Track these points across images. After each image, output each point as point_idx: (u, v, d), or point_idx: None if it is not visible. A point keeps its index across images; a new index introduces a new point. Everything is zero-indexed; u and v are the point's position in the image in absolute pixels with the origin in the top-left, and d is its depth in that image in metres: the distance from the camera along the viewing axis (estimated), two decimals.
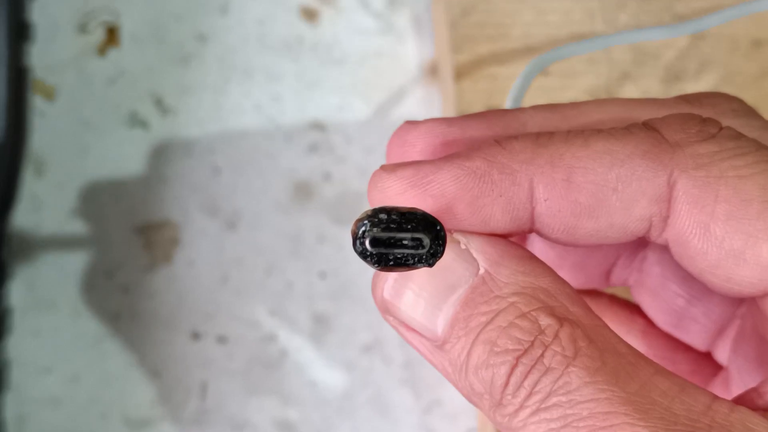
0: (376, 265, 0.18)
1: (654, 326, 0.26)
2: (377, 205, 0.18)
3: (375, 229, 0.17)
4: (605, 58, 0.42)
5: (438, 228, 0.18)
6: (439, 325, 0.20)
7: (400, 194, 0.20)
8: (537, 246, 0.26)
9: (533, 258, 0.20)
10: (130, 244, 0.42)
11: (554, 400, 0.18)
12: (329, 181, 0.43)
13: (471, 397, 0.19)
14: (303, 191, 0.43)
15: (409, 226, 0.18)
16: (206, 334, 0.42)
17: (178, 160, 0.43)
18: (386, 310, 0.21)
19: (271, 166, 0.43)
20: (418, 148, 0.22)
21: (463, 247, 0.20)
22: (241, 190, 0.43)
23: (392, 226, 0.18)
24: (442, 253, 0.18)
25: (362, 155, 0.43)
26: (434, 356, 0.20)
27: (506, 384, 0.18)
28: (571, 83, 0.41)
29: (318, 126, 0.43)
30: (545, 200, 0.20)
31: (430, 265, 0.18)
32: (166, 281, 0.42)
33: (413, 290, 0.20)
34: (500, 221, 0.20)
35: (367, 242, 0.17)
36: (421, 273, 0.20)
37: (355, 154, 0.43)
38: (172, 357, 0.41)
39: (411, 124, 0.22)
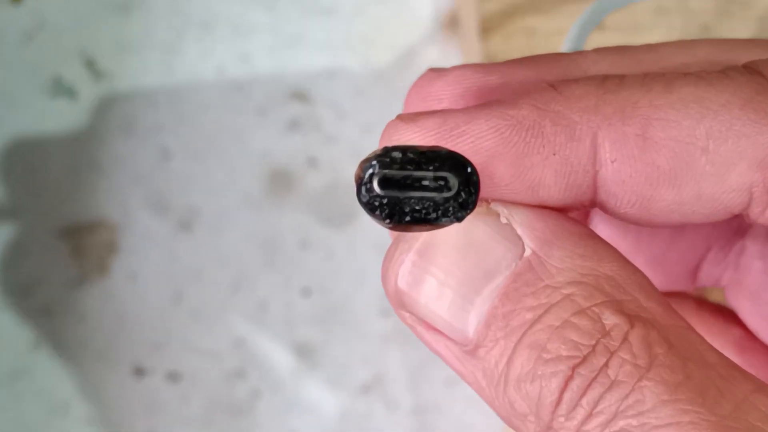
0: (388, 221, 0.16)
1: (754, 338, 0.25)
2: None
3: (386, 170, 0.16)
4: (679, 6, 0.40)
5: (469, 170, 0.16)
6: (471, 323, 0.19)
7: None
8: (602, 231, 0.25)
9: (596, 237, 0.19)
10: (54, 251, 0.41)
11: (621, 424, 0.17)
12: (315, 167, 0.42)
13: (511, 419, 0.18)
14: (280, 181, 0.42)
15: (430, 166, 0.16)
16: (153, 370, 0.41)
17: (115, 140, 0.42)
18: (401, 303, 0.20)
19: (239, 149, 0.42)
20: (444, 103, 0.21)
21: (503, 220, 0.19)
22: (199, 180, 0.42)
23: (408, 166, 0.16)
24: (474, 203, 0.16)
25: (358, 134, 0.42)
26: (463, 365, 0.19)
27: (558, 402, 0.17)
28: (635, 40, 0.38)
29: (300, 96, 0.42)
30: (612, 161, 0.19)
31: (459, 220, 0.17)
32: (100, 300, 0.41)
33: (437, 277, 0.19)
34: (553, 189, 0.19)
35: (375, 183, 0.15)
36: (448, 255, 0.19)
37: (349, 133, 0.42)
38: (108, 400, 0.40)
39: (436, 72, 0.21)
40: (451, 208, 0.16)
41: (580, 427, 0.17)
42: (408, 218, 0.16)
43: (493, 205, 0.19)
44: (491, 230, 0.19)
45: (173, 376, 0.41)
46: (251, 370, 0.41)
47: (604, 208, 0.20)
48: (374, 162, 0.16)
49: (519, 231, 0.19)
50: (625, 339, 0.17)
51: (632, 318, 0.18)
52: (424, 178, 0.16)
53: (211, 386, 0.41)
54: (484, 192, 0.19)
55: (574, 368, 0.17)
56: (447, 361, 0.20)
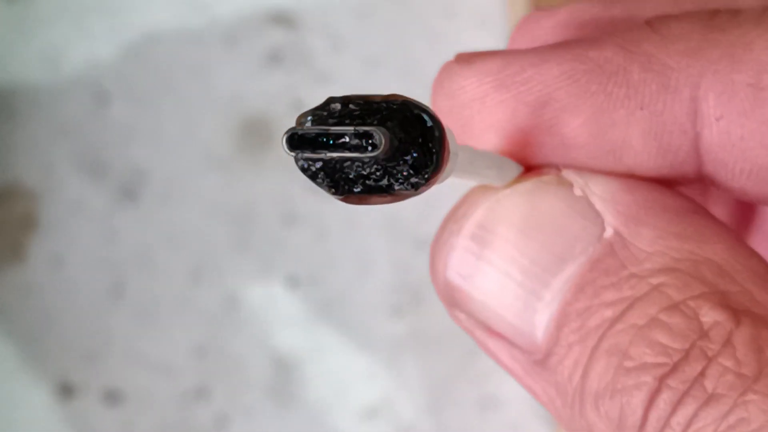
0: (333, 191, 0.16)
1: None
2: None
3: (298, 128, 0.16)
4: None
5: (428, 123, 0.16)
6: (539, 324, 0.19)
7: (480, 99, 0.20)
8: (712, 209, 0.25)
9: (701, 213, 0.19)
10: None
11: None
12: None
13: None
14: (256, 134, 0.42)
15: (372, 119, 0.16)
16: (85, 388, 0.40)
17: (32, 80, 0.42)
18: (452, 300, 0.20)
19: (200, 91, 0.41)
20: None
21: (578, 192, 0.19)
22: (146, 133, 0.41)
23: (347, 120, 0.16)
24: (434, 168, 0.16)
25: (360, 70, 0.42)
26: (532, 378, 0.19)
27: (643, 423, 0.17)
28: None
29: (282, 19, 0.42)
30: (718, 119, 0.19)
31: (415, 187, 0.16)
32: (13, 294, 0.41)
33: (496, 267, 0.19)
34: (641, 154, 0.19)
35: (284, 141, 0.16)
36: (509, 238, 0.20)
37: (348, 69, 0.42)
38: (24, 427, 0.40)
39: (544, 11, 0.22)
40: (403, 172, 0.16)
41: None
42: (358, 187, 0.17)
43: (565, 173, 0.20)
44: (562, 205, 0.19)
45: (111, 397, 0.41)
46: (216, 389, 0.41)
47: (715, 182, 0.20)
48: (309, 116, 0.16)
49: (598, 205, 0.19)
50: (727, 341, 0.17)
51: (739, 314, 0.18)
52: (343, 135, 0.16)
53: (162, 410, 0.41)
54: (553, 155, 0.20)
55: (662, 379, 0.18)
56: (514, 375, 0.20)
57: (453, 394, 0.39)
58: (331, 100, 0.16)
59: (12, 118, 0.41)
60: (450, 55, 0.41)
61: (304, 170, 0.16)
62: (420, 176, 0.16)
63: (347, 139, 0.16)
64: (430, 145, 0.16)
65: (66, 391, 0.40)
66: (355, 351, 0.41)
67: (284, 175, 0.41)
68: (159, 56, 0.41)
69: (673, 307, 0.18)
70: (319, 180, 0.16)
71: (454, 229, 0.20)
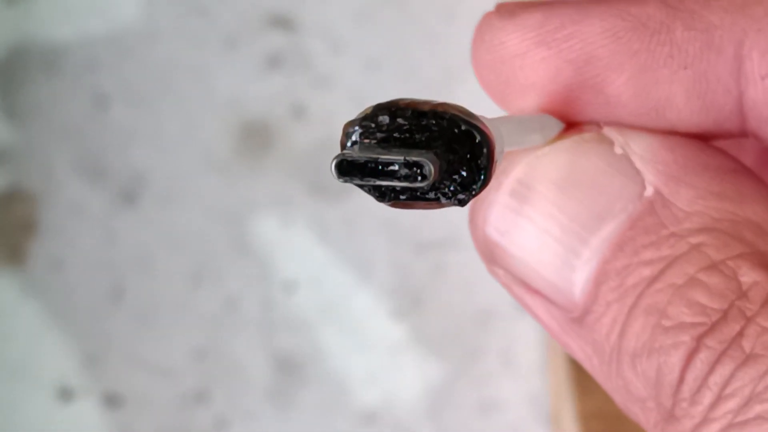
0: (381, 200, 0.17)
1: None
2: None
3: (356, 146, 0.16)
4: None
5: (478, 139, 0.16)
6: (578, 281, 0.19)
7: (522, 55, 0.20)
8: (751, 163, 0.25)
9: (742, 172, 0.19)
10: None
11: (758, 409, 0.17)
12: (302, 118, 0.42)
13: (628, 405, 0.19)
14: (255, 137, 0.42)
15: (417, 138, 0.16)
16: (85, 391, 0.41)
17: (33, 81, 0.42)
18: (491, 256, 0.20)
19: (199, 94, 0.42)
20: None
21: (618, 150, 0.19)
22: (146, 136, 0.42)
23: (396, 134, 0.16)
24: (481, 184, 0.16)
25: (360, 73, 0.42)
26: (569, 336, 0.20)
27: (680, 382, 0.18)
28: None
29: (282, 21, 0.43)
30: (763, 78, 0.19)
31: (461, 203, 0.16)
32: (13, 297, 0.41)
33: (535, 223, 0.19)
34: (684, 111, 0.20)
35: (332, 169, 0.16)
36: (548, 195, 0.20)
37: (348, 72, 0.42)
38: (25, 429, 0.40)
39: None
40: (450, 188, 0.17)
41: (707, 413, 0.17)
42: (404, 197, 0.17)
43: (606, 130, 0.20)
44: (603, 163, 0.19)
45: (111, 400, 0.41)
46: (216, 391, 0.41)
47: (759, 138, 0.20)
48: (356, 128, 0.17)
49: (638, 164, 0.19)
50: (766, 301, 0.17)
51: None
52: (393, 163, 0.16)
53: (162, 413, 0.41)
54: (595, 112, 0.20)
55: (699, 338, 0.18)
56: (551, 332, 0.20)
57: (452, 396, 0.40)
58: (378, 109, 0.16)
59: (12, 121, 0.41)
60: (449, 58, 0.41)
61: (351, 183, 0.17)
62: (467, 193, 0.17)
63: (397, 168, 0.16)
64: (479, 162, 0.17)
65: (66, 394, 0.40)
66: (355, 353, 0.41)
67: (284, 179, 0.41)
68: (159, 59, 0.41)
69: (712, 266, 0.18)
70: (367, 191, 0.17)
71: (493, 185, 0.20)
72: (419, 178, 0.16)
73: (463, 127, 0.16)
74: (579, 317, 0.19)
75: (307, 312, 0.41)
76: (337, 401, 0.41)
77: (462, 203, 0.17)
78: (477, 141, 0.16)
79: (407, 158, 0.16)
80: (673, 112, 0.20)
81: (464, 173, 0.17)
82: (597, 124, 0.20)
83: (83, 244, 0.41)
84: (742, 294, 0.18)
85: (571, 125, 0.20)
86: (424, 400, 0.40)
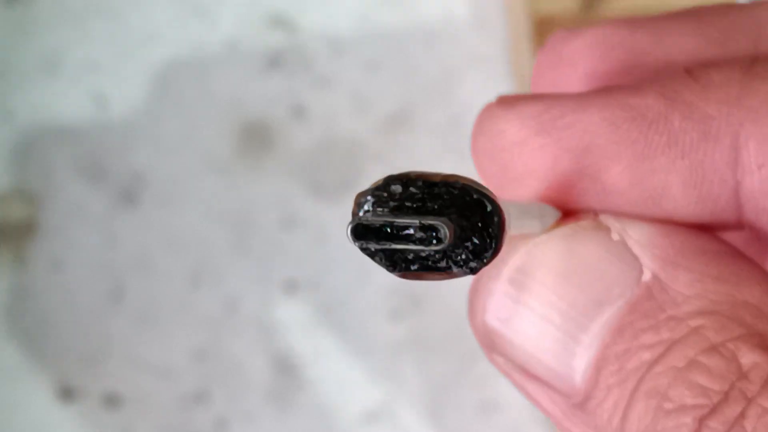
0: (392, 269, 0.17)
1: None
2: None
3: (370, 213, 0.17)
4: None
5: (489, 208, 0.16)
6: (578, 367, 0.19)
7: (521, 143, 0.20)
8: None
9: (737, 256, 0.19)
10: None
11: None
12: (303, 120, 0.42)
13: None
14: (256, 138, 0.42)
15: (429, 206, 0.17)
16: (85, 391, 0.41)
17: (32, 81, 0.42)
18: (491, 344, 0.20)
19: (200, 95, 0.42)
20: (580, 69, 0.22)
21: (615, 237, 0.20)
22: (146, 136, 0.42)
23: (408, 203, 0.17)
24: (492, 252, 0.17)
25: (360, 75, 0.42)
26: (572, 422, 0.20)
27: None
28: None
29: (282, 22, 0.43)
30: (759, 167, 0.19)
31: (473, 271, 0.17)
32: (13, 298, 0.41)
33: (535, 311, 0.20)
34: (681, 201, 0.20)
35: (348, 233, 0.16)
36: (547, 282, 0.20)
37: (349, 72, 0.42)
38: (25, 429, 0.41)
39: (570, 31, 0.23)
40: (462, 257, 0.17)
41: None
42: (415, 266, 0.17)
43: (603, 218, 0.20)
44: (600, 249, 0.20)
45: (111, 400, 0.41)
46: (216, 392, 0.41)
47: (756, 230, 0.20)
48: (369, 197, 0.17)
49: (636, 249, 0.19)
50: (767, 382, 0.17)
51: None
52: (408, 227, 0.16)
53: (162, 413, 0.41)
54: (593, 200, 0.20)
55: (701, 420, 0.18)
56: (553, 418, 0.20)
57: (453, 397, 0.40)
58: (389, 180, 0.17)
59: (11, 122, 0.42)
60: (449, 59, 0.41)
61: (362, 249, 0.17)
62: (479, 261, 0.17)
63: (412, 231, 0.16)
64: (490, 230, 0.17)
65: (66, 394, 0.40)
66: (355, 355, 0.41)
67: (284, 179, 0.41)
68: (159, 60, 0.41)
69: (712, 348, 0.18)
70: (377, 259, 0.17)
71: (492, 274, 0.20)
72: (434, 241, 0.16)
73: (474, 196, 0.17)
74: (580, 403, 0.19)
75: (307, 312, 0.41)
76: (337, 402, 0.41)
77: (473, 271, 0.17)
78: (488, 210, 0.17)
79: (422, 222, 0.16)
80: (669, 202, 0.20)
81: (476, 241, 0.17)
82: (594, 212, 0.20)
83: (83, 245, 0.41)
84: (743, 375, 0.18)
85: (568, 213, 0.20)
86: (424, 401, 0.40)
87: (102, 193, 0.41)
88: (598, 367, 0.19)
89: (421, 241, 0.16)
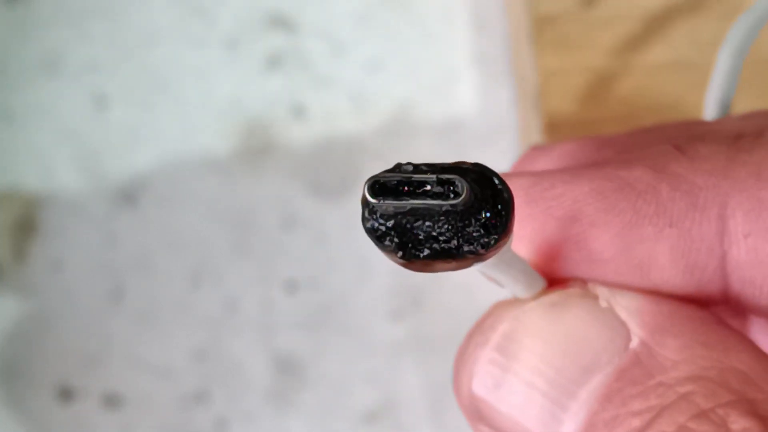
0: (401, 253, 0.17)
1: None
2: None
3: (380, 175, 0.16)
4: None
5: (497, 183, 0.16)
6: None
7: None
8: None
9: (723, 324, 0.20)
10: None
11: None
12: (303, 119, 0.42)
13: None
14: (255, 138, 0.42)
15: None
16: (85, 392, 0.41)
17: (33, 81, 0.42)
18: (478, 414, 0.21)
19: (199, 95, 0.42)
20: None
21: (603, 304, 0.20)
22: (146, 136, 0.42)
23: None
24: (504, 227, 0.16)
25: (360, 74, 0.42)
26: None
27: None
28: None
29: (282, 21, 0.43)
30: (746, 237, 0.20)
31: (485, 247, 0.16)
32: (13, 297, 0.41)
33: (522, 378, 0.20)
34: (668, 271, 0.20)
35: (366, 189, 0.16)
36: (535, 349, 0.20)
37: (349, 73, 0.42)
38: (25, 430, 0.41)
39: (539, 149, 0.23)
40: (474, 233, 0.17)
41: None
42: (425, 250, 0.17)
43: (592, 286, 0.20)
44: (588, 316, 0.20)
45: (111, 401, 0.41)
46: (216, 392, 0.41)
47: (742, 302, 0.20)
48: (380, 175, 0.17)
49: (623, 316, 0.20)
50: None
51: (767, 421, 0.18)
52: (426, 182, 0.16)
53: (162, 413, 0.41)
54: (581, 270, 0.20)
55: None
56: None
57: (452, 396, 0.39)
58: (401, 164, 0.17)
59: (11, 122, 0.42)
60: (449, 59, 0.42)
61: (373, 230, 0.17)
62: (490, 236, 0.17)
63: (429, 188, 0.16)
64: (500, 206, 0.17)
65: (66, 395, 0.40)
66: (355, 355, 0.41)
67: (284, 179, 0.42)
68: (158, 60, 0.42)
69: (702, 414, 0.18)
70: (387, 242, 0.17)
71: (480, 341, 0.20)
72: (452, 195, 0.16)
73: (486, 174, 0.17)
74: None
75: (307, 312, 0.41)
76: (337, 402, 0.41)
77: (485, 247, 0.17)
78: (499, 187, 0.17)
79: (439, 177, 0.16)
80: (657, 272, 0.20)
81: (488, 214, 0.17)
82: (582, 280, 0.20)
83: (83, 245, 0.41)
84: None
85: (556, 281, 0.20)
86: (424, 400, 0.40)
87: (102, 193, 0.41)
88: None
89: (438, 196, 0.16)
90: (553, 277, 0.20)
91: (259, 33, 0.42)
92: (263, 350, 0.41)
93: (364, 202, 0.17)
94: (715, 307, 0.23)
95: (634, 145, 0.22)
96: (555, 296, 0.20)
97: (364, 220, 0.17)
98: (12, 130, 0.41)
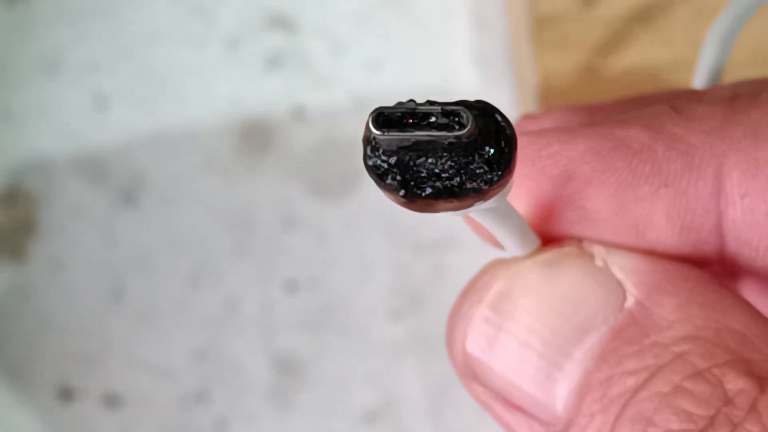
0: (402, 191, 0.16)
1: None
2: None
3: (385, 108, 0.16)
4: None
5: (499, 118, 0.16)
6: (560, 395, 0.19)
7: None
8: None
9: (717, 283, 0.19)
10: None
11: None
12: (302, 119, 0.42)
13: None
14: (255, 138, 0.42)
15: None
16: (85, 392, 0.41)
17: (30, 79, 0.42)
18: (471, 373, 0.20)
19: (199, 95, 0.42)
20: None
21: (599, 263, 0.20)
22: (146, 136, 0.42)
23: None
24: (507, 163, 0.16)
25: (361, 74, 0.42)
26: None
27: None
28: None
29: (282, 22, 0.43)
30: (742, 197, 0.20)
31: (488, 184, 0.16)
32: (13, 297, 0.41)
33: (517, 337, 0.20)
34: (664, 231, 0.20)
35: (370, 121, 0.16)
36: (530, 308, 0.20)
37: (349, 73, 0.42)
38: (24, 430, 0.41)
39: (529, 118, 0.23)
40: (477, 169, 0.16)
41: None
42: (428, 189, 0.17)
43: (587, 245, 0.20)
44: (583, 275, 0.20)
45: (111, 400, 0.41)
46: (216, 392, 0.41)
47: (737, 263, 0.20)
48: (383, 109, 0.16)
49: (619, 275, 0.20)
50: (752, 407, 0.17)
51: (764, 381, 0.18)
52: (431, 114, 0.16)
53: (162, 413, 0.41)
54: (576, 229, 0.20)
55: None
56: None
57: (453, 397, 0.40)
58: (403, 102, 0.17)
59: (11, 122, 0.42)
60: (449, 59, 0.42)
61: (375, 168, 0.17)
62: (494, 172, 0.17)
63: (434, 119, 0.16)
64: (504, 143, 0.17)
65: (65, 395, 0.40)
66: (355, 355, 0.41)
67: (284, 179, 0.42)
68: (158, 60, 0.42)
69: (698, 374, 0.18)
70: (389, 180, 0.17)
71: (474, 300, 0.20)
72: (457, 126, 0.16)
73: (488, 109, 0.17)
74: (563, 431, 0.19)
75: (307, 312, 0.41)
76: (337, 402, 0.41)
77: (488, 183, 0.17)
78: (501, 123, 0.17)
79: (444, 108, 0.16)
80: (653, 231, 0.20)
81: (491, 150, 0.17)
82: (577, 239, 0.20)
83: (83, 245, 0.41)
84: (729, 401, 0.18)
85: (550, 241, 0.20)
86: (424, 400, 0.40)
87: (102, 193, 0.41)
88: (581, 393, 0.19)
89: (443, 128, 0.16)
90: (548, 236, 0.20)
91: (259, 33, 0.42)
92: (263, 350, 0.41)
93: (366, 139, 0.16)
94: (710, 268, 0.23)
95: (628, 109, 0.22)
96: (550, 255, 0.20)
97: (366, 157, 0.17)
98: (12, 130, 0.41)
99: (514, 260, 0.20)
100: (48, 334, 0.41)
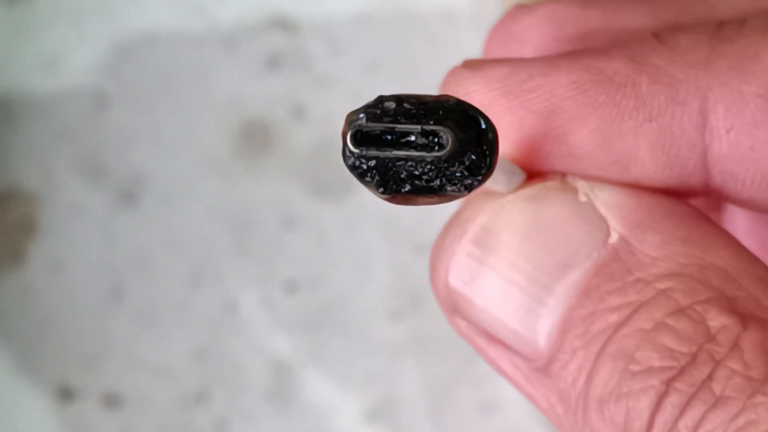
0: (382, 189, 0.16)
1: None
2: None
3: (363, 124, 0.16)
4: None
5: (482, 125, 0.16)
6: (542, 330, 0.19)
7: (487, 105, 0.20)
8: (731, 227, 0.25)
9: (705, 219, 0.19)
10: None
11: None
12: (302, 119, 0.42)
13: None
14: (256, 138, 0.42)
15: (429, 119, 0.16)
16: (85, 392, 0.41)
17: (32, 83, 0.42)
18: (454, 306, 0.20)
19: (200, 95, 0.42)
20: (530, 46, 0.22)
21: (582, 198, 0.20)
22: (146, 136, 0.42)
23: (402, 119, 0.16)
24: (488, 169, 0.16)
25: (359, 74, 0.42)
26: (534, 386, 0.20)
27: (650, 426, 0.17)
28: None
29: (282, 23, 0.43)
30: (728, 131, 0.19)
31: (468, 189, 0.16)
32: (13, 297, 0.41)
33: (499, 272, 0.20)
34: (648, 165, 0.20)
35: (348, 139, 0.16)
36: (512, 243, 0.20)
37: (348, 73, 0.42)
38: (25, 430, 0.41)
39: (523, 8, 0.22)
40: (457, 173, 0.17)
41: None
42: (407, 187, 0.17)
43: (571, 180, 0.20)
44: (567, 210, 0.20)
45: (111, 400, 0.41)
46: (216, 392, 0.41)
47: (723, 195, 0.20)
48: (362, 114, 0.16)
49: (603, 210, 0.19)
50: (735, 345, 0.17)
51: (746, 318, 0.18)
52: (410, 133, 0.16)
53: (162, 413, 0.41)
54: (560, 163, 0.20)
55: (669, 382, 0.17)
56: (515, 383, 0.20)
57: (453, 397, 0.40)
58: (382, 98, 0.17)
59: (11, 122, 0.41)
60: (449, 58, 0.43)
61: (354, 168, 0.16)
62: (474, 178, 0.17)
63: (413, 138, 0.16)
64: (485, 147, 0.17)
65: (66, 395, 0.40)
66: (355, 355, 0.41)
67: (284, 179, 0.41)
68: (158, 60, 0.41)
69: (680, 311, 0.18)
70: (368, 179, 0.17)
71: (456, 234, 0.20)
72: (436, 147, 0.16)
73: (469, 113, 0.17)
74: (544, 366, 0.19)
75: (307, 312, 0.41)
76: (337, 402, 0.41)
77: (468, 189, 0.17)
78: (483, 126, 0.17)
79: (424, 127, 0.16)
80: (637, 166, 0.20)
81: (473, 156, 0.17)
82: (561, 174, 0.20)
83: (83, 245, 0.41)
84: (711, 338, 0.18)
85: (534, 175, 0.20)
86: (424, 400, 0.40)
87: (102, 193, 0.41)
88: (563, 329, 0.19)
89: (422, 147, 0.16)
90: (532, 171, 0.20)
91: (259, 33, 0.42)
92: (263, 350, 0.41)
93: (345, 135, 0.16)
94: (695, 200, 0.23)
95: (619, 11, 0.22)
96: (533, 189, 0.20)
97: (345, 157, 0.16)
98: (12, 129, 0.41)
99: (498, 194, 0.20)
100: (48, 334, 0.41)
